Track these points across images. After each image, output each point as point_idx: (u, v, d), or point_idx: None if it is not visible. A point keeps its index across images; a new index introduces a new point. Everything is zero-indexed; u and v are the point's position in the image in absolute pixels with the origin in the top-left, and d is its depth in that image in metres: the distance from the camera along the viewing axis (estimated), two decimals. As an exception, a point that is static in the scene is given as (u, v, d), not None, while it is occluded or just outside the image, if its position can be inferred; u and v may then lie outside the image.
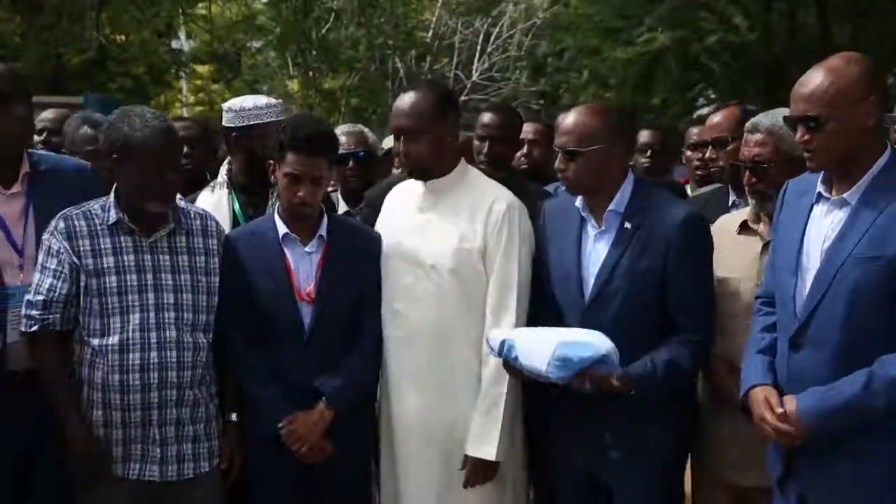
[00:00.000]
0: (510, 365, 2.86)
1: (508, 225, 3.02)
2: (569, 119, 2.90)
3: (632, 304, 2.82)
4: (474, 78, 15.69)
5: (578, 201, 2.95)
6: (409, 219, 3.16)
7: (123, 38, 15.33)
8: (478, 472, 3.02)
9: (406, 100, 3.06)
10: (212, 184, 3.59)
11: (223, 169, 3.61)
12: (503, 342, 2.83)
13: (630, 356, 2.76)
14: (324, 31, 15.93)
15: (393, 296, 3.12)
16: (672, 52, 10.17)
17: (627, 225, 2.85)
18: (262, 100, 3.64)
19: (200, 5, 16.33)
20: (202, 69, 19.99)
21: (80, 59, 13.08)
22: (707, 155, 3.68)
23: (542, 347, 2.74)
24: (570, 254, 2.92)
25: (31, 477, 2.95)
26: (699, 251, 2.85)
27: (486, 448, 2.98)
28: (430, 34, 16.46)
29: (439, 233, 3.08)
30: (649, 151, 4.52)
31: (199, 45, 18.70)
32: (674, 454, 2.98)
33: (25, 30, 12.66)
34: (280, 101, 3.69)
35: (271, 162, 3.06)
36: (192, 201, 3.50)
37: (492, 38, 15.98)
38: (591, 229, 2.93)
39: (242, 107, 3.57)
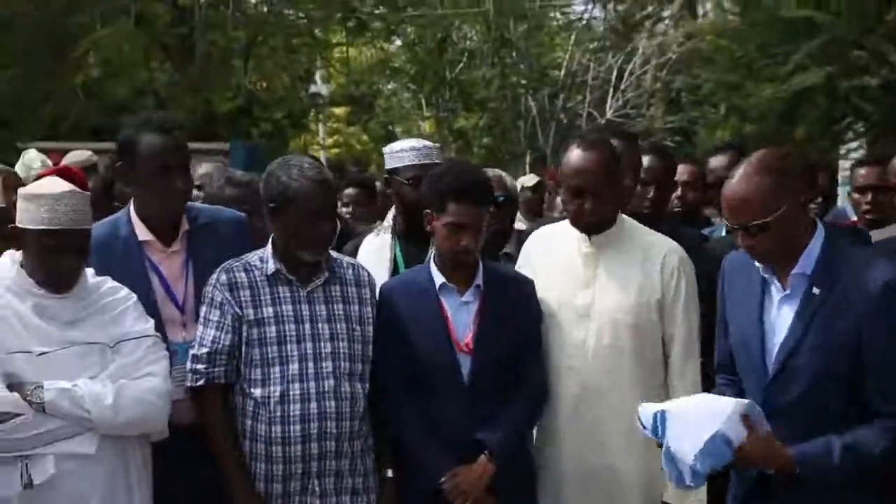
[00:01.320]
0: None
1: (686, 274, 3.06)
2: (736, 186, 2.48)
3: (820, 382, 2.46)
4: (608, 115, 15.55)
5: None
6: (574, 272, 3.11)
7: (265, 84, 15.96)
8: None
9: (584, 158, 3.02)
10: (378, 228, 3.62)
11: (390, 214, 3.62)
12: (657, 415, 2.52)
13: None
14: (457, 70, 16.14)
15: (563, 351, 3.06)
16: (821, 90, 9.74)
17: (816, 290, 2.47)
18: (407, 142, 3.64)
19: (337, 50, 16.83)
20: (338, 111, 20.55)
21: (229, 107, 13.64)
22: None
23: (695, 431, 2.43)
24: (752, 318, 2.59)
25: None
26: None
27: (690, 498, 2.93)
28: (562, 72, 16.43)
29: (614, 286, 3.05)
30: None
31: (335, 88, 19.26)
32: None
33: (178, 79, 13.32)
34: (428, 144, 3.66)
35: (427, 211, 3.04)
36: (357, 245, 3.53)
37: (625, 75, 15.82)
38: (775, 292, 2.58)
39: (391, 149, 3.63)
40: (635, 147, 3.59)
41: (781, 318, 2.54)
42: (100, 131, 13.48)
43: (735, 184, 2.48)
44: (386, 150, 3.67)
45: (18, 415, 2.56)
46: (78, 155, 6.06)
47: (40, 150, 6.20)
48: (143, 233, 3.02)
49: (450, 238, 2.96)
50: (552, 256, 3.18)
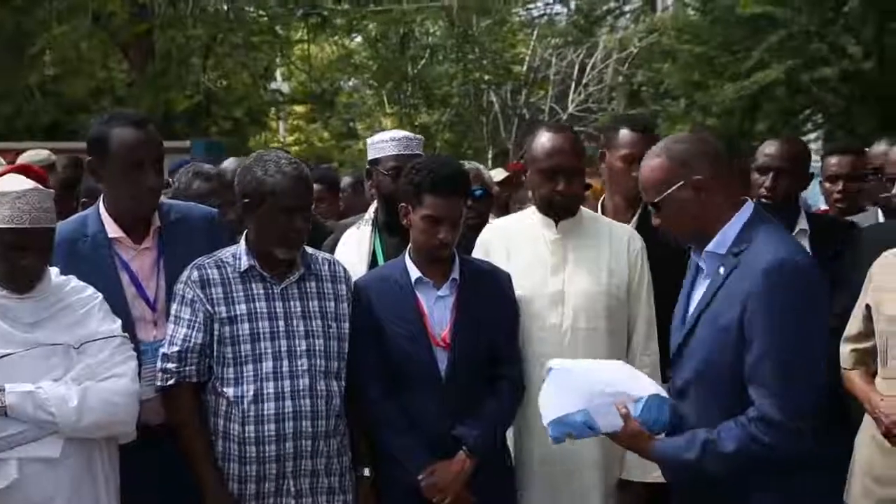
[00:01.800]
0: None
1: (645, 258, 3.15)
2: (641, 169, 2.58)
3: (709, 365, 2.41)
4: (570, 110, 15.60)
5: None
6: (541, 260, 3.14)
7: (224, 82, 15.79)
8: (643, 495, 3.03)
9: (564, 140, 3.11)
10: (358, 221, 3.56)
11: (372, 207, 3.56)
12: (549, 369, 2.59)
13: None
14: (419, 67, 16.09)
15: (539, 338, 3.05)
16: (782, 83, 9.85)
17: (721, 270, 2.43)
18: (388, 133, 3.60)
19: (297, 47, 16.70)
20: (299, 109, 20.39)
21: (187, 105, 13.46)
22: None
23: (564, 399, 2.50)
24: (683, 295, 2.61)
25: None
26: (778, 305, 2.29)
27: (655, 472, 2.91)
28: (524, 68, 16.45)
29: (584, 271, 3.10)
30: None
31: (295, 85, 19.12)
32: None
33: (136, 78, 13.11)
34: (410, 135, 3.61)
35: (403, 205, 2.98)
36: (337, 239, 3.47)
37: (587, 70, 15.88)
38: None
39: (373, 140, 3.60)
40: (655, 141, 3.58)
41: (697, 296, 2.53)
42: (55, 130, 13.25)
43: (641, 166, 2.58)
44: (368, 141, 3.64)
45: (-21, 420, 2.47)
46: (35, 154, 5.90)
47: (-7, 149, 6.04)
48: (112, 230, 2.92)
49: (427, 231, 2.91)
50: (514, 247, 3.18)
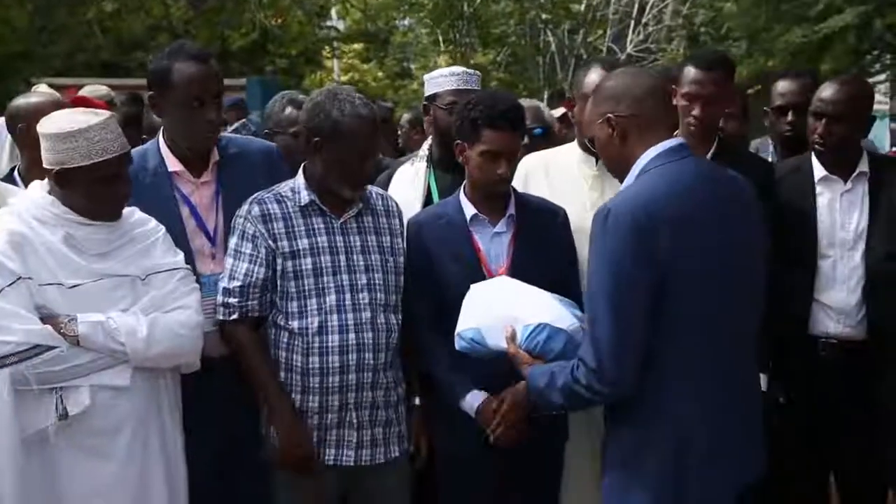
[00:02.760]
0: None
1: None
2: None
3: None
4: (629, 50, 15.30)
5: None
6: (579, 195, 3.17)
7: (280, 20, 15.76)
8: None
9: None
10: (412, 157, 3.56)
11: (426, 143, 3.56)
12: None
13: None
14: (476, 5, 15.87)
15: (582, 274, 3.02)
16: (853, 30, 9.47)
17: None
18: (447, 69, 3.58)
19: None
20: (354, 47, 20.30)
21: (243, 42, 13.48)
22: None
23: (476, 312, 2.66)
24: None
25: (236, 459, 2.94)
26: (597, 253, 2.30)
27: None
28: (582, 6, 16.13)
29: None
30: (790, 112, 3.77)
31: (350, 23, 19.01)
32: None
33: (192, 15, 13.14)
34: (469, 70, 3.58)
35: (459, 142, 2.97)
36: (391, 175, 3.47)
37: (646, 9, 15.53)
38: None
39: (431, 76, 3.58)
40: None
41: None
42: (111, 67, 13.37)
43: None
44: (426, 76, 3.63)
45: (53, 347, 2.53)
46: (94, 90, 5.96)
47: (52, 86, 6.11)
48: (173, 163, 2.96)
49: (484, 167, 2.90)
50: (554, 181, 3.21)
